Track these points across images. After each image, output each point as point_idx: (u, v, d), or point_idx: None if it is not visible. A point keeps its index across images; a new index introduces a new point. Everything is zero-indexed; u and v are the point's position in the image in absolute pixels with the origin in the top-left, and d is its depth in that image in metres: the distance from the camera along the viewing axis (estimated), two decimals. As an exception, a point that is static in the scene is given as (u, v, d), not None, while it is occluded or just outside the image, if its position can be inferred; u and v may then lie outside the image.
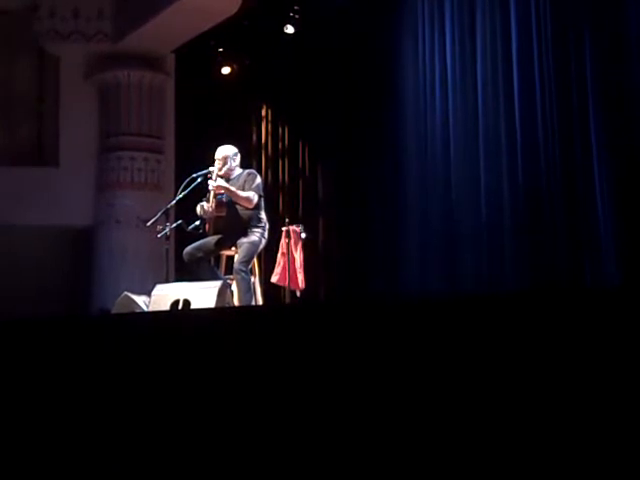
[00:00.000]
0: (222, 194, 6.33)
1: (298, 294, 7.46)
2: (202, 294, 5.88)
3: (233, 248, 6.37)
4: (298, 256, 7.34)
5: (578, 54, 7.45)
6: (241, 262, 6.19)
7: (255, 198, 6.33)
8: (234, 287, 6.23)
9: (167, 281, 6.70)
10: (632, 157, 6.92)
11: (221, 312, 4.40)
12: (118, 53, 9.87)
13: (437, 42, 8.74)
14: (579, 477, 2.13)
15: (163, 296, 5.99)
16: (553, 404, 2.22)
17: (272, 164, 10.39)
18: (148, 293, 6.28)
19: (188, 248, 6.37)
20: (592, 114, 7.27)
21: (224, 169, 6.43)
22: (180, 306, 5.84)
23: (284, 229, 7.31)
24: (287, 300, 7.55)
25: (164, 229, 6.63)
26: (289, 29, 9.69)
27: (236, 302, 6.16)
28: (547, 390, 2.24)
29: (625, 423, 2.12)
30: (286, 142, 10.39)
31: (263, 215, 6.44)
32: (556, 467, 2.17)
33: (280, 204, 10.17)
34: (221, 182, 6.32)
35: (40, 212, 9.56)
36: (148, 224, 6.93)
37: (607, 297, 2.39)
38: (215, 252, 6.47)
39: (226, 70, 10.23)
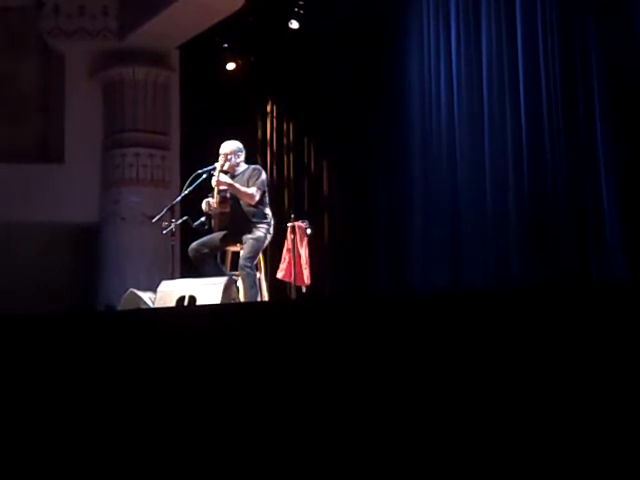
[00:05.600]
0: (225, 190, 6.33)
1: (304, 290, 7.46)
2: (208, 290, 5.88)
3: (238, 244, 6.37)
4: (304, 252, 7.33)
5: (584, 50, 7.44)
6: (246, 258, 6.19)
7: (257, 194, 6.32)
8: (240, 283, 6.23)
9: (173, 277, 6.70)
10: (639, 152, 6.90)
11: (227, 308, 4.39)
12: (123, 50, 9.87)
13: (442, 38, 8.72)
14: (588, 475, 2.13)
15: (169, 292, 6.00)
16: (557, 401, 2.21)
17: (277, 160, 10.38)
18: (154, 289, 6.29)
19: (193, 244, 6.37)
20: (598, 108, 7.26)
21: (227, 165, 6.43)
22: (186, 302, 5.84)
23: (289, 225, 7.30)
24: (293, 296, 7.54)
25: (170, 225, 6.64)
26: (294, 24, 9.67)
27: (242, 298, 6.16)
28: (552, 386, 2.23)
29: (632, 418, 2.11)
30: (291, 138, 10.38)
31: (268, 211, 6.44)
32: (562, 462, 2.16)
33: (285, 200, 10.16)
34: (223, 178, 6.31)
35: (45, 209, 9.57)
36: (154, 220, 6.94)
37: (614, 293, 2.38)
38: (220, 248, 6.47)
39: (231, 66, 10.22)
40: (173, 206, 6.75)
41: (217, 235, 6.39)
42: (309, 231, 7.37)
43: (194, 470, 2.57)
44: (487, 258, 8.03)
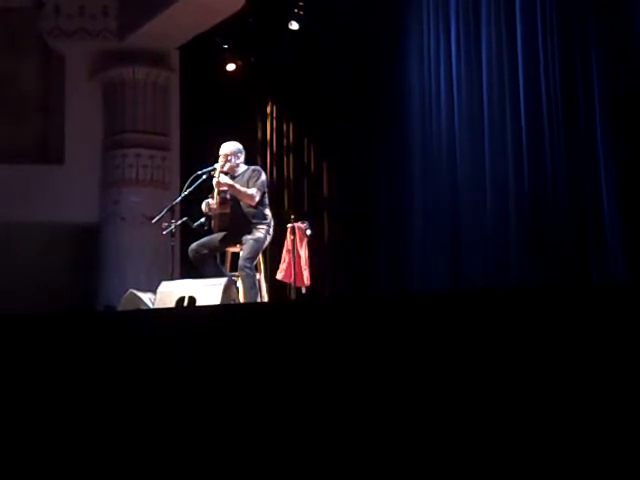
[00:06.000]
0: (226, 191, 6.33)
1: (304, 291, 7.46)
2: (207, 291, 5.88)
3: (238, 245, 6.37)
4: (303, 253, 7.33)
5: (584, 51, 7.43)
6: (246, 259, 6.19)
7: (257, 195, 6.32)
8: (239, 284, 6.23)
9: (172, 278, 6.70)
10: (639, 152, 6.90)
11: (226, 309, 4.39)
12: (123, 50, 9.87)
13: (442, 39, 8.72)
14: (588, 475, 2.13)
15: (168, 293, 6.00)
16: (557, 401, 2.21)
17: (277, 161, 10.38)
18: (153, 290, 6.29)
19: (193, 245, 6.37)
20: (598, 109, 7.25)
21: (227, 166, 6.43)
22: (185, 303, 5.84)
23: (289, 226, 7.29)
24: (292, 297, 7.54)
25: (169, 226, 6.64)
26: (294, 25, 9.67)
27: (241, 299, 6.16)
28: (552, 387, 2.23)
29: (633, 418, 2.11)
30: (291, 139, 10.38)
31: (268, 212, 6.44)
32: (562, 462, 2.16)
33: (285, 201, 10.16)
34: (224, 178, 6.32)
35: (45, 209, 9.57)
36: (153, 221, 6.95)
37: (614, 294, 2.37)
38: (220, 249, 6.47)
39: (231, 67, 10.22)
40: (173, 207, 6.75)
41: (217, 236, 6.39)
42: (309, 232, 7.36)
43: (194, 470, 2.57)
44: (487, 258, 8.02)
